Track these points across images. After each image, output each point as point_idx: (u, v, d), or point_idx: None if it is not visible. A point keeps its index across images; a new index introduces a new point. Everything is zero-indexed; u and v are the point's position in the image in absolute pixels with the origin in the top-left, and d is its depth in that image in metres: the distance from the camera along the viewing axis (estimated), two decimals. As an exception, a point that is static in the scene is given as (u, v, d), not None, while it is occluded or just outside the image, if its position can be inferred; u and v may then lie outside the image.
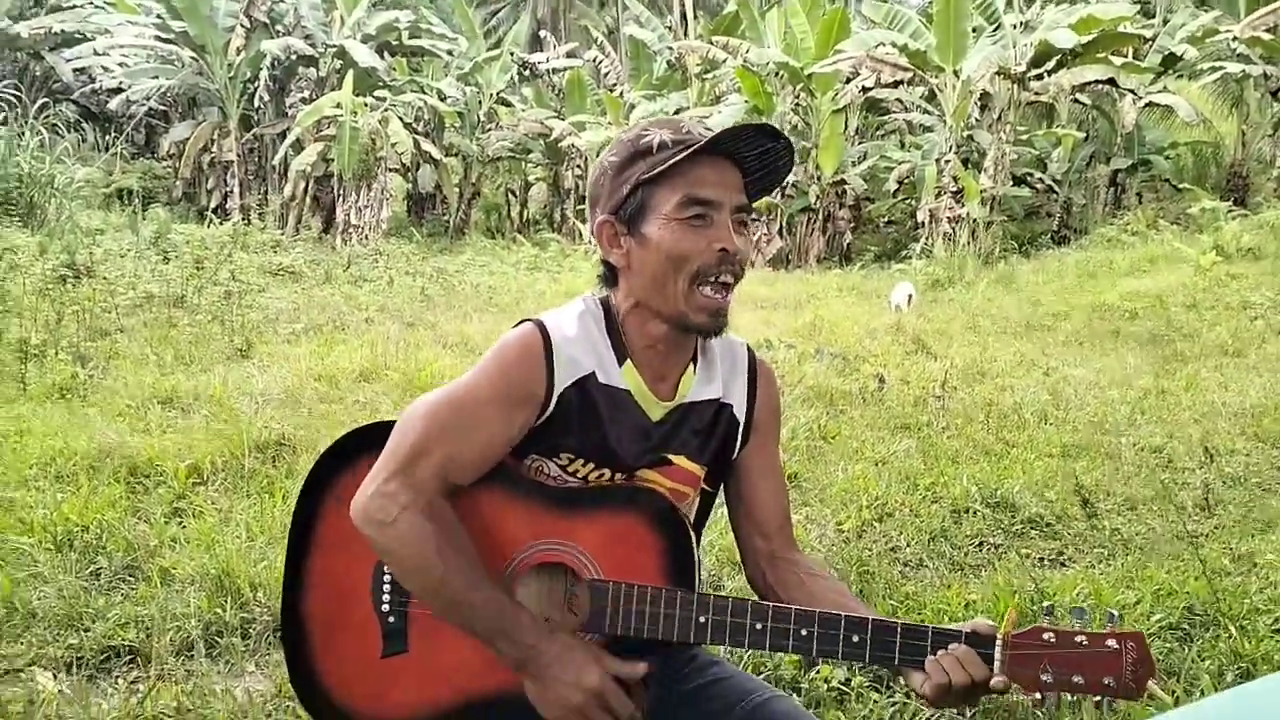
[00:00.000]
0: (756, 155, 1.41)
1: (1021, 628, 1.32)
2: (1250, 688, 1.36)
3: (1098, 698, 1.29)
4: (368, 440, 1.43)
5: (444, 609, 1.36)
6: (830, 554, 3.48)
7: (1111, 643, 1.29)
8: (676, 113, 17.22)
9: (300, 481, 1.48)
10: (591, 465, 1.44)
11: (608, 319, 1.47)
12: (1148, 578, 3.18)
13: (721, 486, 1.60)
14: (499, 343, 1.42)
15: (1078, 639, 1.30)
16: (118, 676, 2.65)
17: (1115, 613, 1.32)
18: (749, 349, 1.59)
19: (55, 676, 2.58)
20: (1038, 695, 1.29)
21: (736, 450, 1.55)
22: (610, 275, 1.47)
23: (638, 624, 1.37)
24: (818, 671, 2.59)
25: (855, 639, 1.32)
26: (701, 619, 1.35)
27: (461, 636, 1.38)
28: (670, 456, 1.48)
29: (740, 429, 1.54)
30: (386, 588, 1.43)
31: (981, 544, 3.68)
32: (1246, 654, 2.66)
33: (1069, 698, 1.29)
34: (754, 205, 1.48)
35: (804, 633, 1.33)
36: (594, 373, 1.43)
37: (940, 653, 1.30)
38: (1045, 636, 1.30)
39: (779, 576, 1.52)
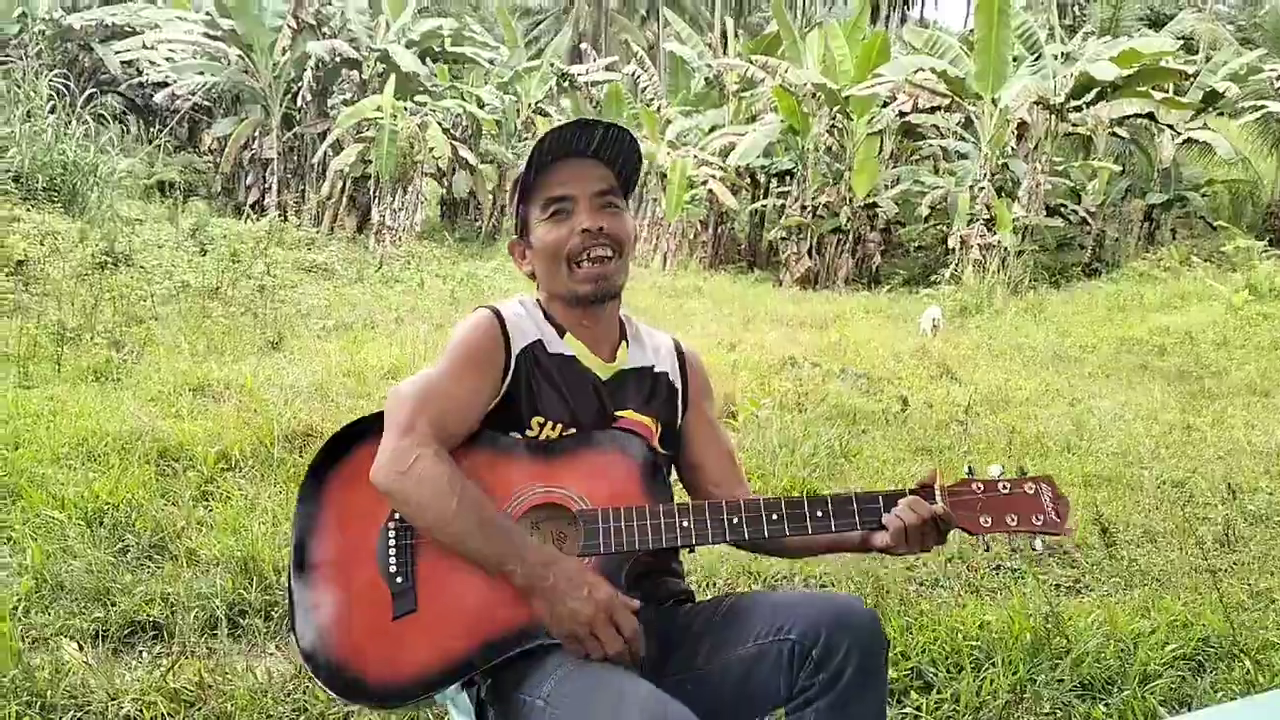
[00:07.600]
0: (600, 145, 1.64)
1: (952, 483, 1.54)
2: (1261, 697, 1.40)
3: (1035, 541, 1.50)
4: (360, 430, 1.59)
5: (457, 540, 1.46)
6: (845, 567, 3.50)
7: (1029, 486, 1.50)
8: (711, 130, 17.31)
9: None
10: (560, 426, 1.61)
11: (542, 309, 1.74)
12: (1164, 609, 3.17)
13: (673, 466, 1.78)
14: (456, 328, 1.64)
15: (1000, 486, 1.51)
16: (142, 650, 2.71)
17: (1025, 468, 1.52)
18: (675, 339, 1.86)
19: (81, 647, 2.64)
20: (981, 539, 1.48)
21: (679, 416, 1.77)
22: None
23: (629, 539, 1.49)
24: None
25: (819, 514, 1.52)
26: (684, 523, 1.51)
27: (470, 584, 1.46)
28: (619, 413, 1.68)
29: (680, 396, 1.78)
30: (392, 552, 1.50)
31: (999, 567, 3.68)
32: (1261, 686, 2.65)
33: None
34: (624, 192, 1.71)
35: (774, 517, 1.52)
36: (541, 340, 1.67)
37: (894, 507, 1.51)
38: (974, 486, 1.52)
39: None
